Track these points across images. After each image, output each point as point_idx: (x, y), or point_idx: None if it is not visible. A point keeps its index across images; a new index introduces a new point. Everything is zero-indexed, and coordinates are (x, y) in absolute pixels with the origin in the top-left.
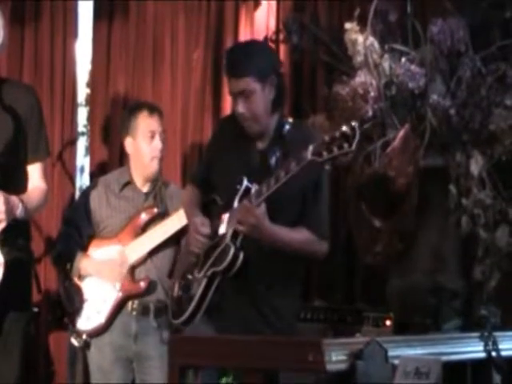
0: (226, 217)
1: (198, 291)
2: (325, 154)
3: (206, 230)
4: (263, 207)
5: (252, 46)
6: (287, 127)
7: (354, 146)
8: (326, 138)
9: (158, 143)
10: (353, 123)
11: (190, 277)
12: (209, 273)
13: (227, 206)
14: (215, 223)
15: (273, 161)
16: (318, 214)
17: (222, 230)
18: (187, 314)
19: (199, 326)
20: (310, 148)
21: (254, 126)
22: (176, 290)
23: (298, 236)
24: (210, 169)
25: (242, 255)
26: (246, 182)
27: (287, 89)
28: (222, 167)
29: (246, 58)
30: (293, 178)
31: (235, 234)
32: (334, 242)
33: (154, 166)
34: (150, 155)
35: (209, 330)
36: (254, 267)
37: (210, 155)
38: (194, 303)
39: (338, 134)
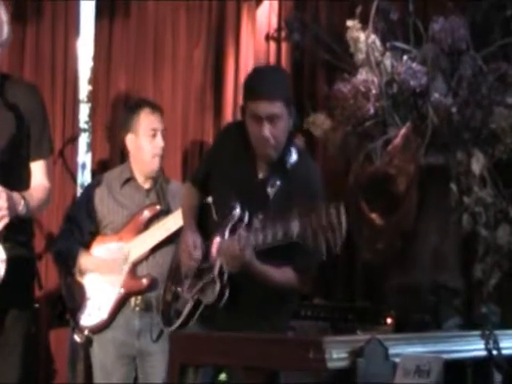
0: (216, 243)
1: (185, 310)
2: (309, 241)
3: (198, 253)
4: (252, 253)
5: (280, 71)
6: (294, 158)
7: (338, 248)
8: (314, 219)
9: (159, 141)
10: (341, 209)
11: (179, 289)
12: (195, 297)
13: (219, 228)
14: (208, 244)
15: (271, 190)
16: (307, 258)
17: (212, 254)
18: (175, 326)
19: (192, 328)
20: (297, 226)
21: (273, 154)
22: (167, 296)
23: (282, 278)
24: (209, 175)
25: (227, 292)
26: (238, 211)
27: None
28: (220, 181)
29: (278, 82)
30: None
31: (223, 268)
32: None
33: (155, 164)
34: (152, 153)
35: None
36: (246, 285)
37: (210, 161)
38: (181, 319)
39: (325, 221)
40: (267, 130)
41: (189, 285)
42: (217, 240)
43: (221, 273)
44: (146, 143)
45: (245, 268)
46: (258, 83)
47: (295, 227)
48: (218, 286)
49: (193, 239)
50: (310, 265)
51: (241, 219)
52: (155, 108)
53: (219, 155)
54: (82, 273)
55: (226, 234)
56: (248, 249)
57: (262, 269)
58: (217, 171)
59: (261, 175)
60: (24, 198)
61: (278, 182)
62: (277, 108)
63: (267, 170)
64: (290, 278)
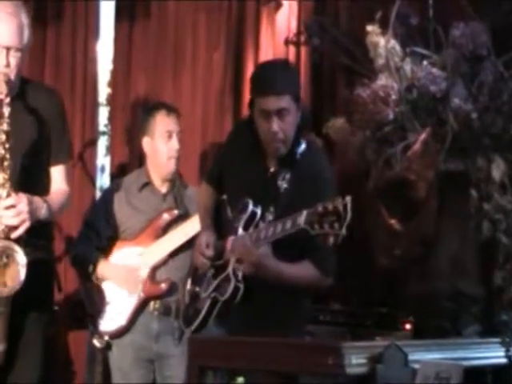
0: (230, 240)
1: (203, 310)
2: (316, 227)
3: (210, 252)
4: (267, 247)
5: (286, 65)
6: (303, 147)
7: (343, 230)
8: (320, 208)
9: (175, 143)
10: (347, 199)
11: (197, 289)
12: (212, 295)
13: (233, 226)
14: (222, 242)
15: (281, 183)
16: (323, 250)
17: (227, 252)
18: (194, 326)
19: (211, 328)
20: (304, 214)
21: (282, 149)
22: (186, 296)
23: (304, 273)
24: (222, 173)
25: (242, 287)
26: (251, 207)
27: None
28: (233, 179)
29: (286, 76)
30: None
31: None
32: (353, 245)
33: (170, 166)
34: (167, 155)
35: (220, 331)
36: (262, 285)
37: (223, 160)
38: (199, 319)
39: (331, 207)
40: (276, 125)
41: (206, 284)
42: (231, 237)
43: (235, 269)
44: (161, 145)
45: (259, 265)
46: (266, 78)
47: (302, 214)
48: (232, 283)
49: (206, 238)
50: (327, 257)
51: (253, 215)
52: (171, 110)
53: (231, 154)
54: (101, 280)
55: (240, 230)
56: (260, 244)
57: (278, 266)
58: (229, 169)
59: (271, 169)
60: (46, 201)
61: (288, 175)
62: (285, 102)
63: (277, 164)
64: (310, 272)
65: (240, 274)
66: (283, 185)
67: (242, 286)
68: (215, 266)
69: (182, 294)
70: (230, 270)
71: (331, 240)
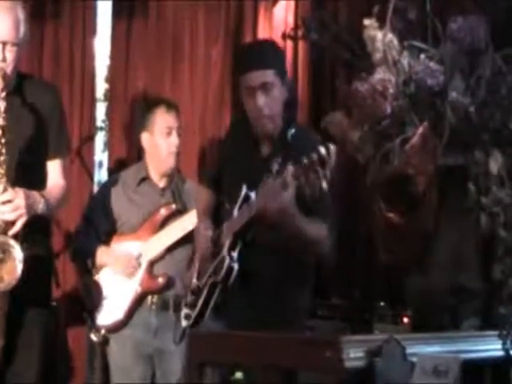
0: (225, 225)
1: (200, 299)
2: (302, 178)
3: (209, 232)
4: (291, 192)
5: (272, 42)
6: (293, 131)
7: (327, 173)
8: (305, 160)
9: (174, 139)
10: (331, 145)
11: (196, 282)
12: (209, 282)
13: (229, 214)
14: (219, 231)
15: (274, 167)
16: (325, 211)
17: (223, 235)
18: (193, 316)
19: (207, 323)
20: (291, 169)
21: (269, 125)
22: (187, 291)
23: (318, 230)
24: (220, 173)
25: (236, 267)
26: (245, 190)
27: (298, 99)
28: (228, 174)
29: (270, 51)
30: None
31: (233, 245)
32: (353, 239)
33: (170, 162)
34: (167, 151)
35: (218, 327)
36: (260, 273)
37: (220, 159)
38: (196, 310)
39: (315, 157)
40: (261, 100)
41: (204, 271)
42: (226, 223)
43: (231, 249)
44: (161, 141)
45: (286, 212)
46: (249, 54)
47: (289, 170)
48: (226, 262)
49: (203, 227)
50: (329, 221)
51: (247, 198)
52: (170, 106)
53: (227, 151)
54: (99, 267)
55: (235, 212)
56: (290, 188)
57: (300, 217)
58: (226, 166)
59: (264, 155)
60: (43, 196)
61: (280, 158)
62: (268, 76)
63: (270, 149)
64: (322, 231)
65: (235, 255)
66: (276, 168)
67: (236, 265)
68: (212, 253)
69: (180, 289)
70: (224, 250)
71: (317, 189)
